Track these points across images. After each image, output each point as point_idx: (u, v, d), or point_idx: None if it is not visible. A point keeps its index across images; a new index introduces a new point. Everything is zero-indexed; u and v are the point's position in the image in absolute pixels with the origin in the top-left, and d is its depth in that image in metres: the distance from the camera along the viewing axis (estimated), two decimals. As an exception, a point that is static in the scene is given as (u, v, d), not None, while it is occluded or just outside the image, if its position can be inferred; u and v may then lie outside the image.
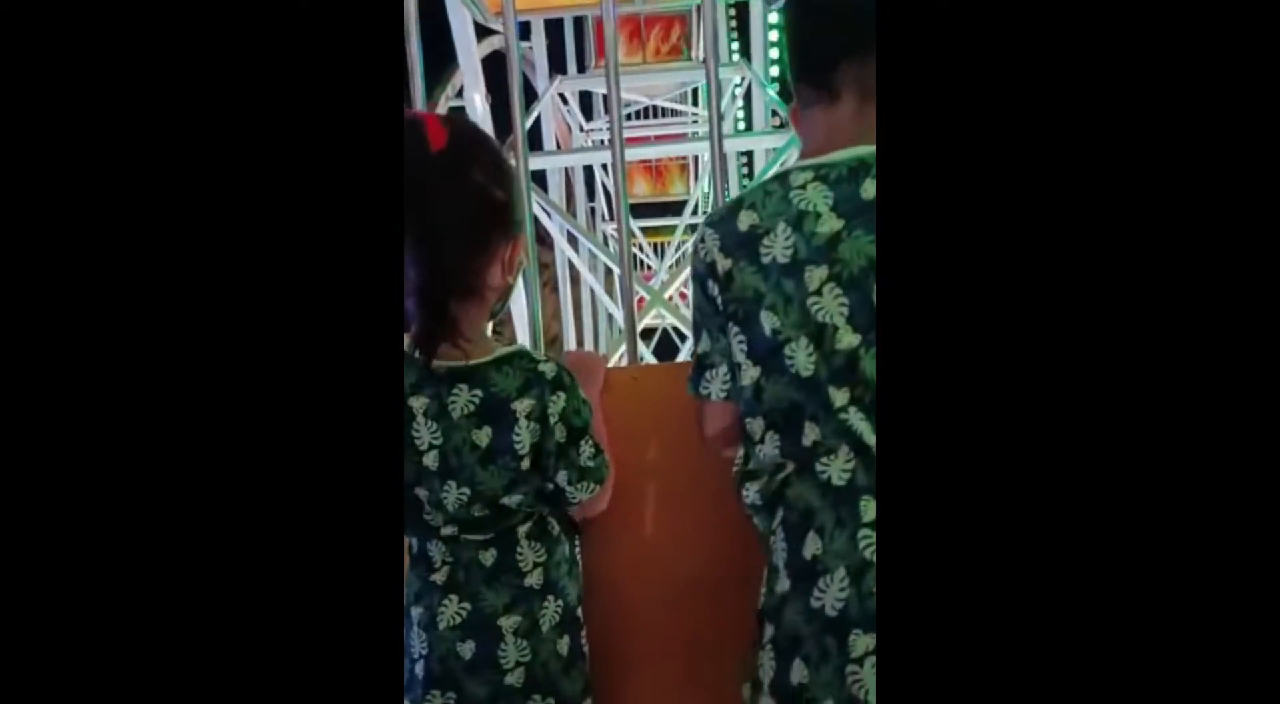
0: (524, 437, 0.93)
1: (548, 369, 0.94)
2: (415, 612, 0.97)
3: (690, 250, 0.92)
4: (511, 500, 0.94)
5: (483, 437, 0.93)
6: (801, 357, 0.84)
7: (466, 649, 0.95)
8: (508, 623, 0.95)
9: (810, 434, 0.84)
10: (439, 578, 0.96)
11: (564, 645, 0.97)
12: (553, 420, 0.94)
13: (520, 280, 1.08)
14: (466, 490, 0.93)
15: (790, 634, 0.82)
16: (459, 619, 0.95)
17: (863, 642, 0.76)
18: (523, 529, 0.97)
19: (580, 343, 5.89)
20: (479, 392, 0.93)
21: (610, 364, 1.32)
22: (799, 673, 0.80)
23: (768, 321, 0.85)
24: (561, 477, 0.96)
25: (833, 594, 0.79)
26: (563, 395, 0.94)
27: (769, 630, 0.85)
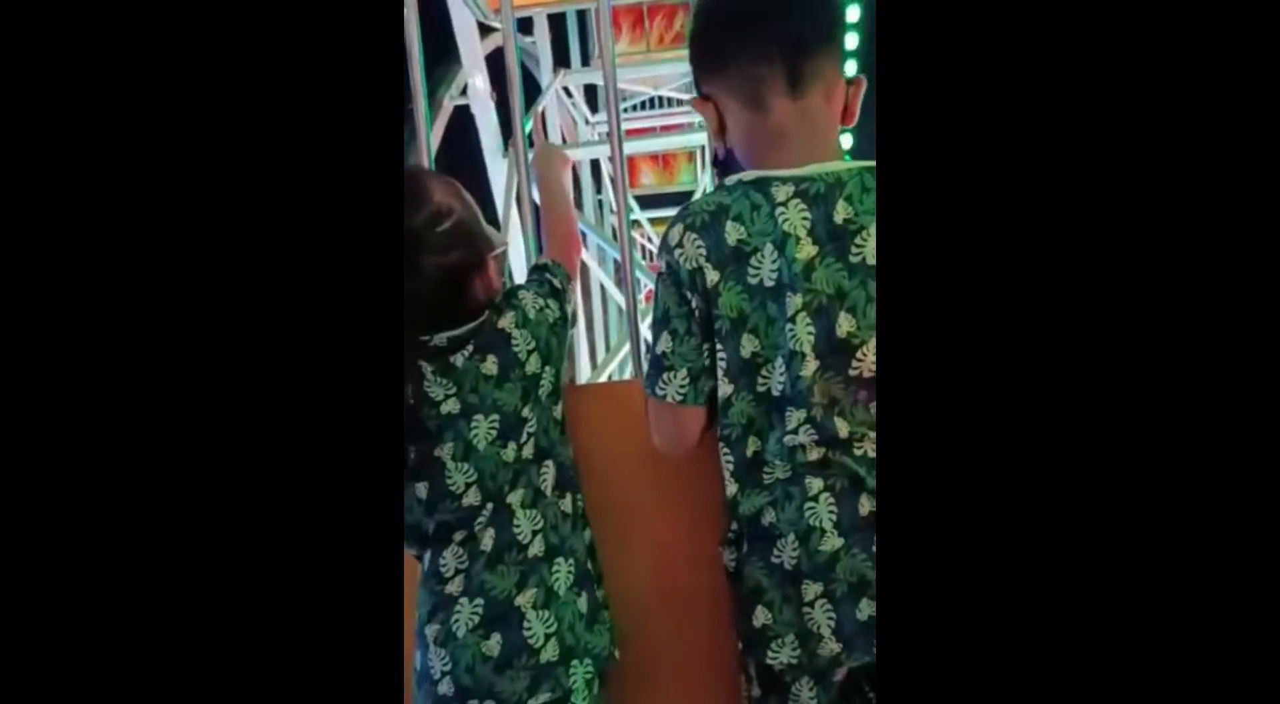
0: (520, 345, 1.00)
1: (510, 288, 1.05)
2: (430, 630, 0.95)
3: (664, 245, 0.92)
4: (530, 412, 0.99)
5: (490, 366, 0.98)
6: (775, 377, 0.89)
7: (493, 646, 0.93)
8: (524, 600, 0.95)
9: (752, 446, 0.91)
10: (454, 588, 0.95)
11: (583, 602, 0.97)
12: (537, 309, 1.04)
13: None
14: (496, 419, 0.97)
15: (750, 586, 0.91)
16: (476, 618, 0.94)
17: (812, 589, 0.87)
18: (515, 498, 0.98)
19: (591, 333, 5.89)
20: (476, 339, 0.99)
21: (618, 359, 1.31)
22: (762, 616, 0.90)
23: (749, 344, 0.89)
24: (564, 306, 1.07)
25: (787, 554, 0.89)
26: (525, 292, 1.05)
27: (736, 589, 0.94)
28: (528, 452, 0.98)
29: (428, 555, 0.98)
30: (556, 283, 1.08)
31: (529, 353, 1.00)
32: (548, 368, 1.02)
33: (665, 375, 0.93)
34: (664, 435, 0.97)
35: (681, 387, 0.92)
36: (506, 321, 1.00)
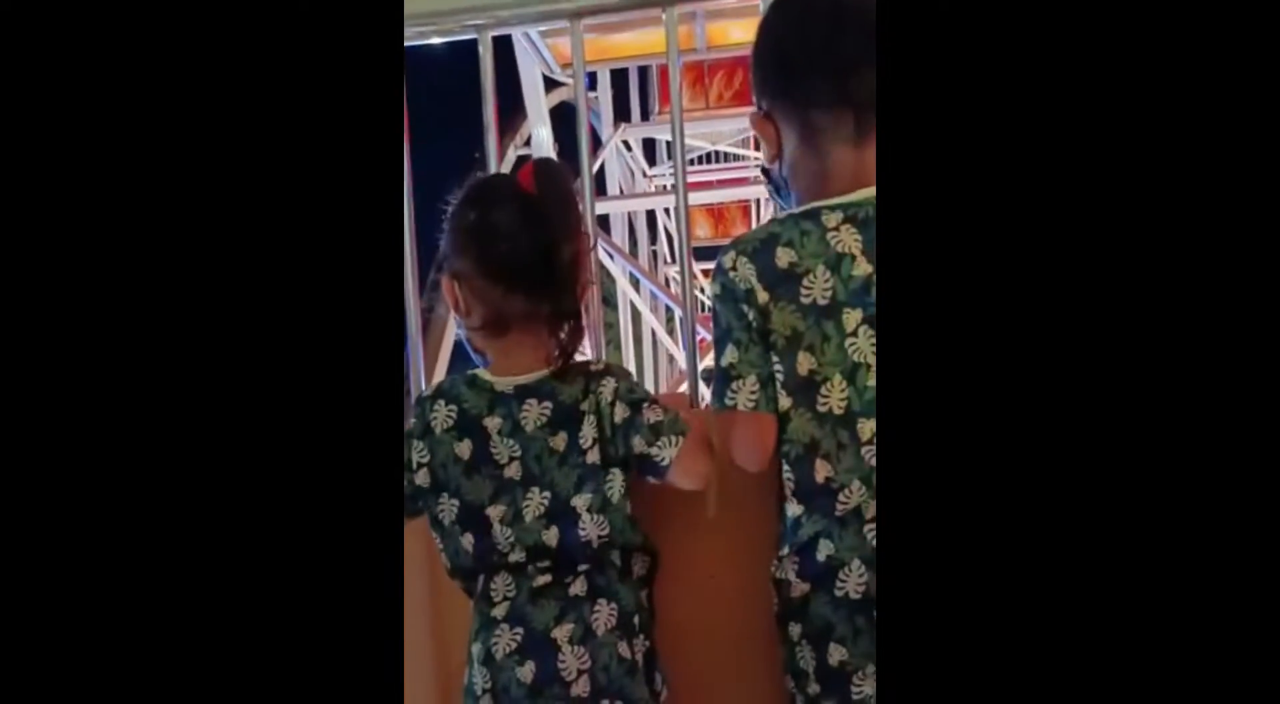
0: (586, 432, 0.98)
1: (598, 367, 1.02)
2: (475, 649, 0.99)
3: (718, 269, 0.94)
4: (581, 502, 0.97)
5: (559, 442, 0.99)
6: (835, 395, 0.89)
7: (527, 672, 0.95)
8: (561, 633, 0.96)
9: (822, 471, 0.90)
10: (499, 612, 0.99)
11: (625, 649, 0.97)
12: (607, 403, 0.99)
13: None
14: (548, 495, 0.98)
15: (820, 625, 0.90)
16: (514, 645, 0.97)
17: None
18: (559, 558, 0.99)
19: (640, 380, 5.92)
20: (549, 403, 0.99)
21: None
22: (837, 654, 0.90)
23: (805, 361, 0.90)
24: (638, 442, 0.98)
25: (853, 583, 0.88)
26: (610, 380, 1.00)
27: (796, 629, 0.93)
28: (578, 538, 0.98)
29: (480, 579, 1.02)
30: (655, 418, 0.98)
31: (593, 442, 0.98)
32: (615, 469, 0.98)
33: (734, 384, 0.92)
34: (742, 449, 0.94)
35: (752, 393, 0.91)
36: (587, 403, 0.99)
